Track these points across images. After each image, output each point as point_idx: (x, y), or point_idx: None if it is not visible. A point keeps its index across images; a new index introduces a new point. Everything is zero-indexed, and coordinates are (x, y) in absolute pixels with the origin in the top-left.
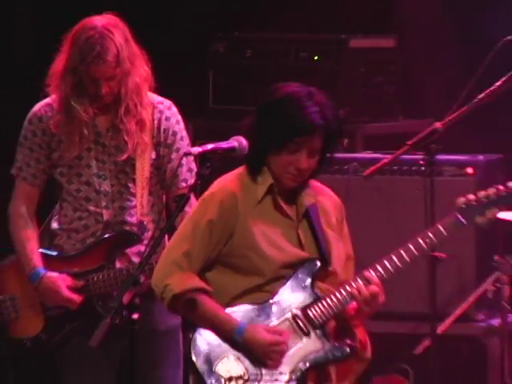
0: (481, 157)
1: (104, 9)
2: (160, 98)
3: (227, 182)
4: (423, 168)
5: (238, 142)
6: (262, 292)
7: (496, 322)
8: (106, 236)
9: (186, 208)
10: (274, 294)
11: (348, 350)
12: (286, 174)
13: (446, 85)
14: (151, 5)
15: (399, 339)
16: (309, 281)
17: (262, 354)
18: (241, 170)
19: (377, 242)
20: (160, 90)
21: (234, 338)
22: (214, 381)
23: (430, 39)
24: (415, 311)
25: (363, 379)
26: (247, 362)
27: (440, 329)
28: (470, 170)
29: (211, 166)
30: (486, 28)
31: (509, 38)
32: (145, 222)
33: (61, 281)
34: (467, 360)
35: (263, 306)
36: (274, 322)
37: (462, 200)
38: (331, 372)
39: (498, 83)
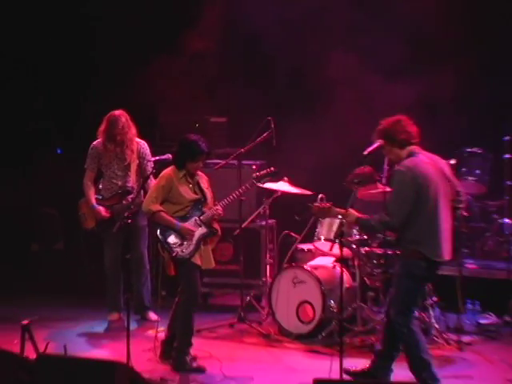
0: (260, 161)
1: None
2: (140, 140)
3: (169, 171)
4: (236, 166)
5: (168, 156)
6: (183, 211)
7: (263, 222)
8: (119, 192)
9: (148, 181)
10: (188, 212)
11: (215, 231)
12: (193, 170)
13: (242, 136)
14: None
15: (229, 229)
16: (200, 206)
17: (185, 234)
18: (173, 167)
19: (220, 193)
20: (141, 137)
21: (175, 228)
22: (166, 246)
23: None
24: (234, 218)
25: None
26: (180, 237)
27: (243, 225)
28: (254, 167)
29: (156, 166)
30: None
31: (268, 118)
32: (134, 186)
33: (102, 208)
34: (252, 239)
35: (184, 217)
36: (189, 221)
37: (254, 174)
38: (208, 241)
39: (263, 136)
